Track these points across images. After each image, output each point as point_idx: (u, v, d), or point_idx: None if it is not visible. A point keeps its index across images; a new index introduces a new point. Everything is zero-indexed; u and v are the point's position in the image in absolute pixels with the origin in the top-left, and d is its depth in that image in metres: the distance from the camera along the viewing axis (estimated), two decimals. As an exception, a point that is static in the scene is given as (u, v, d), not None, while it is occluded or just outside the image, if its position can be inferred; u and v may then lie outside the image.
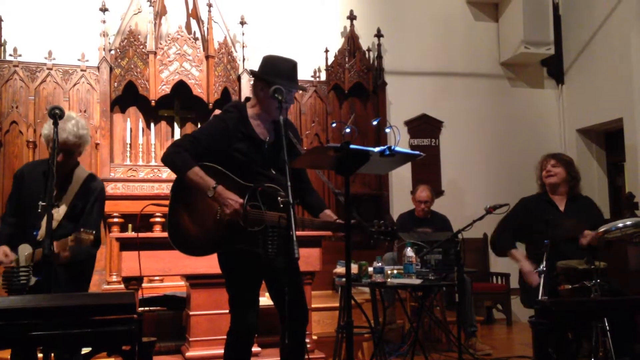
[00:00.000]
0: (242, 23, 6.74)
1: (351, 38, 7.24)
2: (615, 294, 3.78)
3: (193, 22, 6.81)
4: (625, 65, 6.98)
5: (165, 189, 6.10)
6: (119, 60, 6.26)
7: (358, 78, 7.12)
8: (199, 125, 6.62)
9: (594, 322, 3.21)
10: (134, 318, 2.35)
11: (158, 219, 5.84)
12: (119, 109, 6.48)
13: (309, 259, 4.26)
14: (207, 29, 6.51)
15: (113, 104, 6.35)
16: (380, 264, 3.95)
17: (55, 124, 3.05)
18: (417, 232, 5.27)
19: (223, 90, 6.51)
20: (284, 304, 2.82)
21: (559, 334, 3.25)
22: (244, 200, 2.76)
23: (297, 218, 2.75)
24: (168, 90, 6.27)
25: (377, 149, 2.63)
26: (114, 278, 5.78)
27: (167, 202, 2.90)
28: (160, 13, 6.59)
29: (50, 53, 6.27)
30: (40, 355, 2.46)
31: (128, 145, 6.31)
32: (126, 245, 4.13)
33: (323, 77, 7.12)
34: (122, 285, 4.34)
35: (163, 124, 6.65)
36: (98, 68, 6.25)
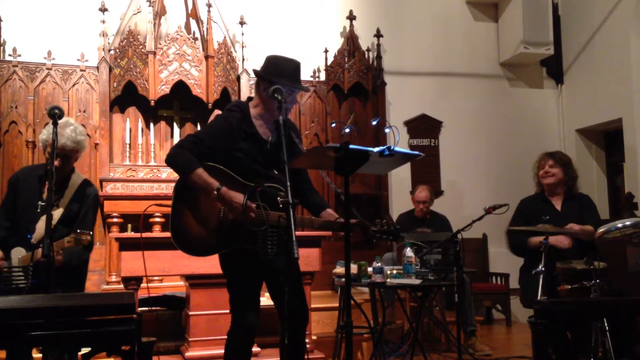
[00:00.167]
0: (242, 23, 6.75)
1: (351, 38, 7.24)
2: (615, 294, 3.78)
3: (192, 22, 6.81)
4: (624, 65, 6.99)
5: (165, 189, 6.10)
6: (119, 60, 6.26)
7: (357, 78, 7.12)
8: (199, 126, 6.63)
9: (593, 322, 3.21)
10: (134, 318, 2.35)
11: (158, 219, 5.85)
12: (118, 109, 6.47)
13: (308, 259, 4.26)
14: (207, 29, 6.51)
15: (112, 104, 6.35)
16: (379, 264, 3.95)
17: (55, 124, 3.05)
18: (417, 232, 5.27)
19: (222, 91, 6.51)
20: (284, 304, 2.82)
21: (558, 334, 3.25)
22: (247, 201, 2.76)
23: (297, 218, 2.76)
24: (167, 91, 6.27)
25: (376, 149, 2.63)
26: (114, 278, 5.77)
27: (169, 202, 2.89)
28: (160, 13, 6.59)
29: (49, 53, 6.27)
30: (39, 355, 2.46)
31: (127, 146, 6.31)
32: (126, 245, 4.13)
33: (322, 77, 7.12)
34: (122, 285, 4.33)
35: (162, 124, 6.65)
36: (97, 68, 6.25)
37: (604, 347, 3.15)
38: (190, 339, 4.16)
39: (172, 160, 2.85)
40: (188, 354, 4.12)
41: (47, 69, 6.25)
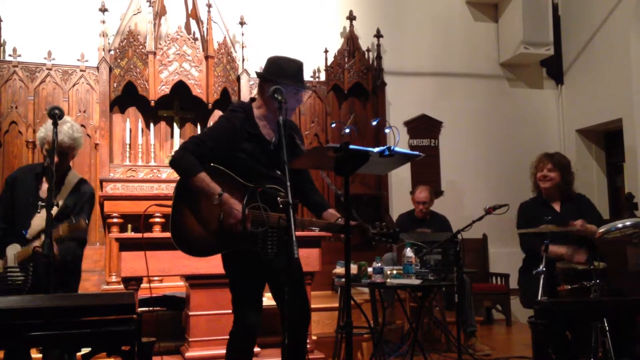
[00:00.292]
0: (242, 23, 6.75)
1: (351, 38, 7.24)
2: (615, 294, 3.78)
3: (192, 23, 6.81)
4: (624, 65, 6.99)
5: (165, 189, 6.10)
6: (119, 61, 6.26)
7: (357, 78, 7.12)
8: (199, 126, 6.63)
9: (593, 322, 3.21)
10: (134, 318, 2.35)
11: (157, 219, 5.85)
12: (118, 109, 6.48)
13: (308, 259, 4.25)
14: (207, 29, 6.51)
15: (112, 104, 6.35)
16: (379, 264, 3.96)
17: (55, 124, 3.06)
18: (417, 232, 5.27)
19: (222, 91, 6.52)
20: (292, 304, 2.83)
21: (558, 335, 3.25)
22: (244, 208, 2.76)
23: (298, 219, 2.76)
24: (167, 91, 6.27)
25: (376, 150, 2.63)
26: (114, 278, 5.77)
27: (170, 203, 2.89)
28: (160, 13, 6.59)
29: (49, 53, 6.27)
30: (39, 355, 2.46)
31: (127, 146, 6.31)
32: (126, 245, 4.13)
33: (322, 77, 7.12)
34: (122, 286, 4.33)
35: (162, 124, 6.65)
36: (97, 68, 6.25)
37: (604, 347, 3.15)
38: (190, 339, 4.16)
39: (175, 163, 2.86)
40: (188, 354, 4.12)
41: (47, 69, 6.25)
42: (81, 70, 6.34)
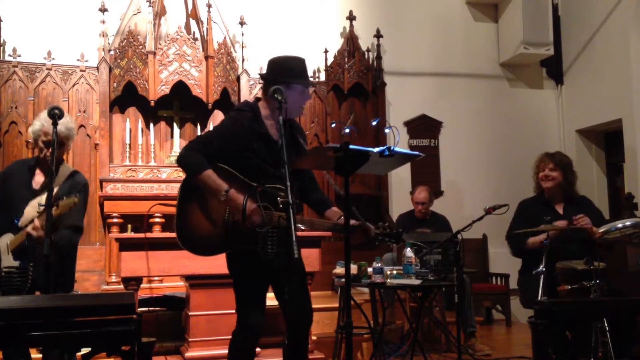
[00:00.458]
0: (242, 23, 6.75)
1: (350, 38, 7.24)
2: (615, 294, 3.78)
3: (192, 23, 6.81)
4: (624, 65, 6.99)
5: (165, 189, 6.11)
6: (118, 61, 6.26)
7: (357, 78, 7.12)
8: (199, 126, 6.63)
9: (593, 322, 3.21)
10: (134, 318, 2.35)
11: (158, 219, 5.84)
12: (118, 109, 6.47)
13: (308, 259, 4.25)
14: (207, 29, 6.51)
15: (112, 104, 6.34)
16: (379, 264, 3.96)
17: (55, 124, 3.06)
18: (417, 232, 5.27)
19: (222, 91, 6.51)
20: (292, 304, 2.84)
21: (558, 334, 3.25)
22: (257, 205, 2.77)
23: (304, 219, 2.76)
24: (167, 91, 6.27)
25: (376, 150, 2.63)
26: (114, 278, 5.77)
27: (174, 202, 2.90)
28: (160, 13, 6.59)
29: (49, 53, 6.27)
30: (39, 355, 2.46)
31: (127, 146, 6.31)
32: (126, 245, 4.13)
33: (322, 77, 7.12)
34: (122, 286, 4.33)
35: (162, 124, 6.65)
36: (97, 68, 6.25)
37: (604, 347, 3.15)
38: (190, 339, 4.16)
39: (182, 161, 2.87)
40: (188, 354, 4.12)
41: (47, 69, 6.25)
42: (81, 70, 6.34)
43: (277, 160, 2.93)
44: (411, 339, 4.30)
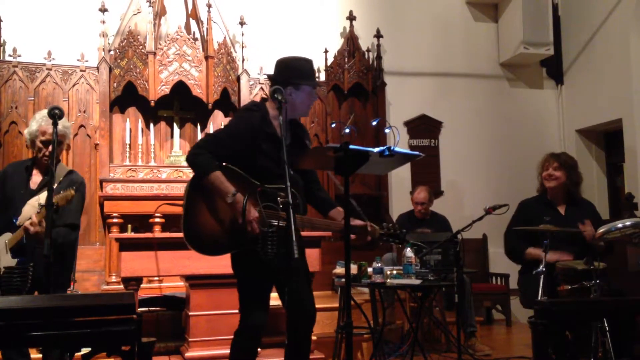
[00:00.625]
0: (242, 23, 6.75)
1: (350, 38, 7.24)
2: (615, 294, 3.78)
3: (192, 23, 6.81)
4: (624, 65, 6.99)
5: (165, 189, 6.11)
6: (119, 61, 6.26)
7: (357, 78, 7.12)
8: (199, 126, 6.63)
9: (593, 322, 3.21)
10: (134, 318, 2.35)
11: (158, 220, 5.84)
12: (118, 109, 6.47)
13: (308, 259, 4.19)
14: (207, 29, 6.51)
15: (112, 105, 6.35)
16: (379, 264, 3.96)
17: (55, 125, 3.07)
18: (417, 232, 5.27)
19: (222, 91, 6.51)
20: (291, 304, 2.85)
21: (558, 334, 3.25)
22: (259, 208, 2.77)
23: (299, 219, 2.76)
24: (167, 91, 6.27)
25: (376, 150, 2.64)
26: (114, 278, 5.77)
27: (180, 202, 2.90)
28: (160, 13, 6.59)
29: (49, 53, 6.27)
30: (39, 355, 2.46)
31: (127, 146, 6.31)
32: (126, 245, 4.13)
33: (322, 77, 7.11)
34: (122, 286, 4.33)
35: (162, 124, 6.65)
36: (97, 68, 6.25)
37: (604, 347, 3.15)
38: (190, 339, 4.15)
39: (191, 160, 2.87)
40: (188, 354, 4.12)
41: (47, 69, 6.25)
42: (81, 71, 6.34)
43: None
44: (411, 339, 4.30)
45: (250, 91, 6.68)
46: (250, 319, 2.88)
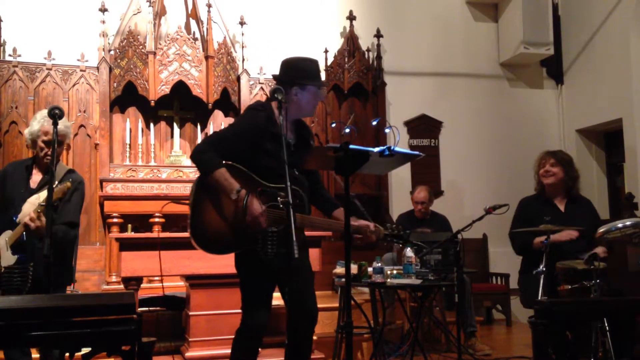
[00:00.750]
0: (242, 23, 6.75)
1: (351, 38, 7.24)
2: (615, 294, 3.78)
3: (192, 23, 6.81)
4: (624, 65, 6.99)
5: (165, 189, 6.11)
6: (119, 61, 6.26)
7: (357, 78, 7.12)
8: (199, 126, 6.63)
9: (593, 322, 3.21)
10: (134, 318, 2.35)
11: (157, 219, 5.85)
12: (118, 109, 6.47)
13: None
14: (207, 29, 6.51)
15: (112, 104, 6.35)
16: (379, 264, 3.95)
17: (55, 124, 3.07)
18: (417, 232, 5.27)
19: (222, 91, 6.52)
20: (292, 304, 2.85)
21: (558, 334, 3.25)
22: (264, 207, 2.78)
23: (299, 218, 2.76)
24: (167, 91, 6.27)
25: (376, 149, 2.64)
26: (114, 278, 5.77)
27: (187, 201, 2.90)
28: (160, 13, 6.59)
29: (49, 53, 6.27)
30: (37, 355, 2.46)
31: (127, 146, 6.31)
32: (126, 245, 4.13)
33: (322, 77, 7.09)
34: (122, 286, 4.33)
35: (162, 124, 6.65)
36: (97, 68, 6.25)
37: (604, 347, 3.15)
38: (190, 339, 4.16)
39: (196, 157, 2.87)
40: (188, 354, 4.12)
41: (47, 69, 6.25)
42: (81, 70, 6.34)
43: (291, 160, 2.94)
44: (411, 339, 4.30)
45: (250, 91, 6.68)
46: (251, 319, 2.88)
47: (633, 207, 6.17)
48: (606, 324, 3.17)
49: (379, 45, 7.29)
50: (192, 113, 6.68)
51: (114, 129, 6.40)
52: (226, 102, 6.60)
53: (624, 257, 5.09)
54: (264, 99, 6.41)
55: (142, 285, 4.37)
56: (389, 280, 3.94)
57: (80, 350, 2.34)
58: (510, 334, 6.33)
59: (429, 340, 5.32)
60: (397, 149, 2.66)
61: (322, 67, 7.00)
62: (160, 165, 6.39)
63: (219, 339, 3.99)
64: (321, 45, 7.07)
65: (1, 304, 2.28)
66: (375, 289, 4.35)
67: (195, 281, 4.20)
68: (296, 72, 2.99)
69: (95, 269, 6.04)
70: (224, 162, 2.85)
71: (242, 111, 6.46)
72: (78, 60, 6.35)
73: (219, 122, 6.68)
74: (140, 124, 6.50)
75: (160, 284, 5.60)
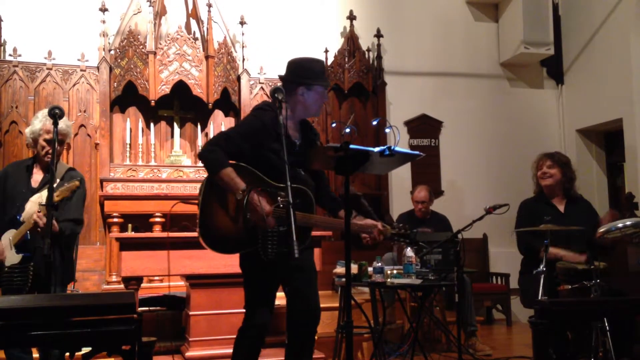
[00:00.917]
0: (242, 23, 6.75)
1: (351, 38, 7.24)
2: (615, 294, 3.78)
3: (193, 22, 6.81)
4: (624, 65, 6.99)
5: (165, 189, 6.11)
6: (119, 60, 6.26)
7: (358, 78, 7.12)
8: (199, 125, 6.63)
9: (593, 322, 3.21)
10: (134, 318, 2.35)
11: (158, 219, 5.85)
12: (118, 109, 6.48)
13: (308, 259, 4.25)
14: (207, 29, 6.51)
15: (113, 104, 6.35)
16: (380, 264, 3.96)
17: (55, 124, 3.08)
18: (417, 232, 5.27)
19: (223, 91, 6.52)
20: (294, 303, 2.85)
21: (558, 335, 3.25)
22: (271, 207, 2.78)
23: (300, 217, 2.76)
24: (168, 91, 6.27)
25: (376, 149, 2.64)
26: (114, 278, 5.78)
27: (195, 200, 2.90)
28: (160, 13, 6.59)
29: (50, 53, 6.27)
30: (38, 355, 2.46)
31: (128, 145, 6.31)
32: (126, 245, 4.13)
33: (323, 77, 7.10)
34: (122, 285, 4.33)
35: (163, 124, 6.65)
36: (98, 68, 6.25)
37: (604, 347, 3.15)
38: (190, 339, 4.16)
39: (204, 156, 2.88)
40: (188, 354, 4.12)
41: (47, 69, 6.25)
42: (81, 70, 6.34)
43: (296, 161, 2.94)
44: (411, 339, 4.30)
45: (251, 91, 6.68)
46: (254, 318, 2.89)
47: (633, 207, 6.18)
48: (606, 324, 3.17)
49: (379, 45, 7.29)
50: (192, 113, 6.68)
51: (114, 128, 6.41)
52: (226, 102, 6.60)
53: (624, 257, 5.09)
54: (264, 99, 6.43)
55: (142, 285, 4.37)
56: (389, 280, 3.94)
57: (80, 350, 2.35)
58: (511, 333, 6.33)
59: (429, 340, 5.32)
60: (397, 148, 2.67)
61: (322, 67, 7.09)
62: (161, 165, 6.39)
63: (219, 339, 3.99)
64: (321, 45, 7.07)
65: (1, 304, 2.28)
66: (376, 289, 4.35)
67: (196, 281, 4.20)
68: (302, 72, 3.00)
69: (96, 269, 6.04)
70: (232, 161, 2.85)
71: (242, 111, 6.50)
72: (78, 60, 6.35)
73: (219, 122, 6.68)
74: (141, 123, 6.50)
75: (162, 284, 5.66)
